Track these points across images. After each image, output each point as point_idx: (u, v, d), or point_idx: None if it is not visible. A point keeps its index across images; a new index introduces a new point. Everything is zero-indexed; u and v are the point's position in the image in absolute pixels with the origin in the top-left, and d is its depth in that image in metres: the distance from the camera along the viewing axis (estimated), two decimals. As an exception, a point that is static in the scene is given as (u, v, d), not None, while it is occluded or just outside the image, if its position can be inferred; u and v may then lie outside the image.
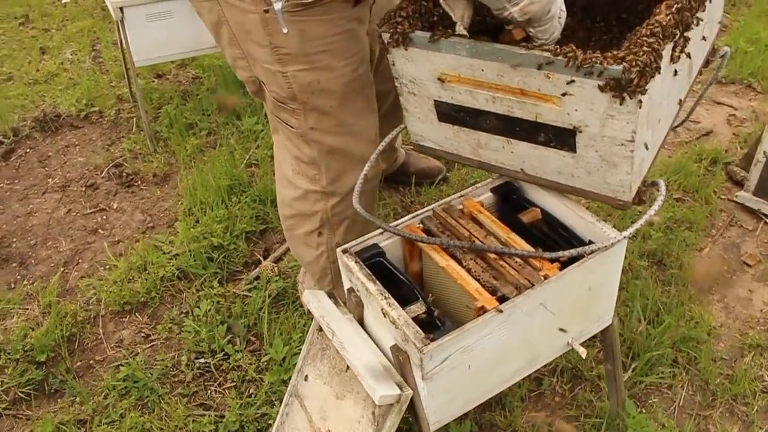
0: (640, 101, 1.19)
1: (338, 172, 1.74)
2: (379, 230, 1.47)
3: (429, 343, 1.21)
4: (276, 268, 2.32)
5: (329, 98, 1.62)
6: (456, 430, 1.77)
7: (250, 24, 1.52)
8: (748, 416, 1.83)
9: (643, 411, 1.82)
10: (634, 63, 1.15)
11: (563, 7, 1.33)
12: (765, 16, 3.75)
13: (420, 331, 1.23)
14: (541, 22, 1.29)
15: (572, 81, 1.22)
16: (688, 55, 1.44)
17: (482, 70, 1.30)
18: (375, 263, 1.44)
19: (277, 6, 1.47)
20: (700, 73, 1.69)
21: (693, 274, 2.24)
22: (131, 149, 3.02)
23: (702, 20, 1.46)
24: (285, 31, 1.50)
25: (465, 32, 1.32)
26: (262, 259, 2.40)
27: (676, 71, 1.39)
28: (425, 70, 1.38)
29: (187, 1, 2.77)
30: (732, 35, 3.58)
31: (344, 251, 1.44)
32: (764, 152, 2.41)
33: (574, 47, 1.20)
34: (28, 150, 3.17)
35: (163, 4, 2.74)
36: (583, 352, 1.43)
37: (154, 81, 3.51)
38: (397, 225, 1.48)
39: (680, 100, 1.55)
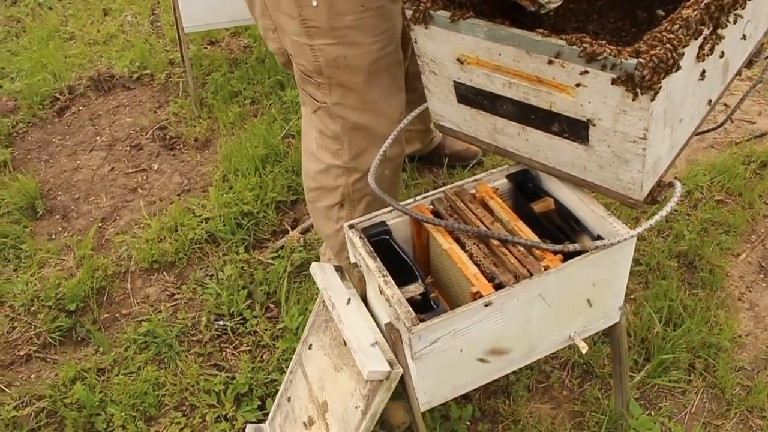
0: (654, 98, 1.15)
1: (360, 148, 1.75)
2: (389, 208, 1.47)
3: (418, 323, 1.21)
4: (302, 239, 2.35)
5: (355, 74, 1.62)
6: (457, 413, 1.78)
7: None
8: (762, 430, 1.77)
9: (651, 413, 1.79)
10: (648, 58, 1.11)
11: None
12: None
13: (411, 310, 1.24)
14: None
15: (586, 72, 1.19)
16: (721, 54, 1.38)
17: (499, 54, 1.28)
18: (381, 241, 1.45)
19: None
20: (739, 73, 1.61)
21: (725, 279, 2.17)
22: (177, 113, 3.09)
23: (741, 17, 1.39)
24: (314, 4, 1.51)
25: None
26: (290, 229, 2.43)
27: (704, 70, 1.33)
28: (445, 51, 1.37)
29: (238, -30, 2.81)
30: (802, 34, 3.41)
31: (351, 226, 1.45)
32: (815, 159, 2.31)
33: (589, 38, 1.17)
34: (81, 108, 3.29)
35: (215, -29, 2.78)
36: (584, 348, 1.41)
37: (207, 48, 3.57)
38: (407, 204, 1.48)
39: (710, 100, 1.49)
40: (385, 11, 1.59)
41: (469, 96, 1.41)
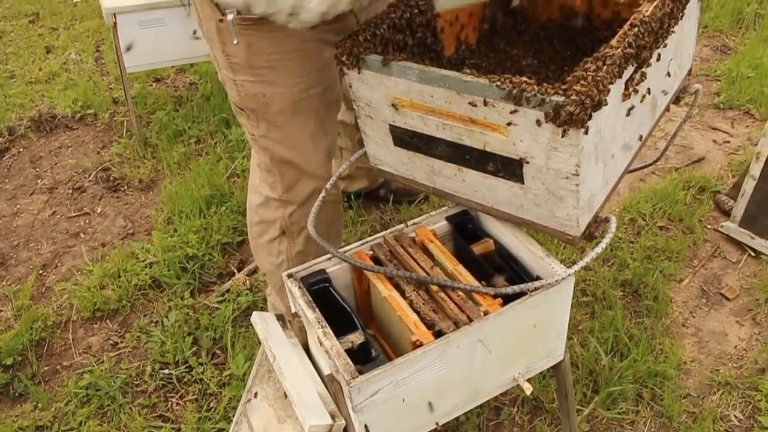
0: (583, 133, 1.16)
1: (291, 181, 1.76)
2: (329, 254, 1.46)
3: (357, 376, 1.19)
4: (248, 281, 2.32)
5: (275, 112, 1.64)
6: (408, 457, 1.75)
7: (210, 30, 1.57)
8: (709, 457, 1.79)
9: (601, 447, 1.80)
10: (574, 95, 1.13)
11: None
12: (771, 41, 3.69)
13: (350, 363, 1.22)
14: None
15: (515, 111, 1.20)
16: (648, 91, 1.42)
17: (431, 96, 1.29)
18: (321, 289, 1.44)
19: (229, 17, 1.48)
20: (667, 109, 1.66)
21: (669, 306, 2.21)
22: (120, 154, 3.04)
23: (664, 54, 1.43)
24: (235, 41, 1.52)
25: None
26: (236, 271, 2.39)
27: (632, 107, 1.36)
28: (379, 94, 1.37)
29: (180, 9, 2.80)
30: (735, 59, 3.53)
31: (290, 275, 1.43)
32: (751, 182, 2.37)
33: (518, 77, 1.19)
34: (21, 149, 3.21)
35: (156, 11, 2.76)
36: (528, 389, 1.41)
37: (151, 85, 3.54)
38: (346, 251, 1.47)
39: (641, 136, 1.52)
40: (309, 55, 1.59)
41: (405, 139, 1.42)
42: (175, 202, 2.62)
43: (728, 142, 2.98)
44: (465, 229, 1.54)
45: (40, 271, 2.51)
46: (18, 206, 2.86)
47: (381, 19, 1.46)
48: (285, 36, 1.54)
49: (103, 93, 3.51)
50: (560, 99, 1.13)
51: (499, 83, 1.19)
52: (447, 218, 1.55)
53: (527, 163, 1.27)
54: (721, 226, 2.49)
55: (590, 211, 1.38)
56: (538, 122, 1.17)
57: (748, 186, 2.39)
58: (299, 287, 1.40)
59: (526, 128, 1.21)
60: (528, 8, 1.80)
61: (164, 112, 3.18)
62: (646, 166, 1.82)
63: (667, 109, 1.65)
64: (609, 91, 1.19)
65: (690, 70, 1.71)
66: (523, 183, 1.32)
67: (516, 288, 1.31)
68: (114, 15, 2.69)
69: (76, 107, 3.39)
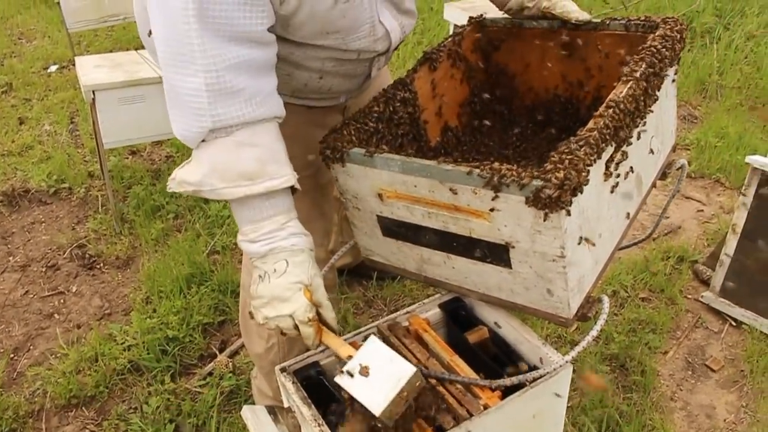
0: (566, 215, 1.17)
1: None
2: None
3: (357, 480, 1.15)
4: (231, 364, 2.26)
5: None
6: None
7: None
8: None
9: None
10: (553, 179, 1.13)
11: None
12: (734, 110, 3.83)
13: (349, 465, 1.18)
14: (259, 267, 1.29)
15: (496, 197, 1.20)
16: (631, 169, 1.44)
17: (415, 186, 1.30)
18: (316, 381, 1.40)
19: None
20: (654, 185, 1.68)
21: (656, 379, 2.20)
22: (96, 230, 2.99)
23: (644, 132, 1.46)
24: None
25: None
26: (217, 352, 2.34)
27: (616, 185, 1.38)
28: (365, 186, 1.37)
29: (159, 85, 2.80)
30: (702, 129, 3.64)
31: (282, 369, 1.40)
32: (727, 254, 2.41)
33: (497, 164, 1.19)
34: (-8, 226, 3.13)
35: (136, 88, 2.76)
36: (528, 481, 1.38)
37: (128, 158, 3.51)
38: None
39: (629, 214, 1.54)
40: (300, 139, 1.59)
41: (393, 228, 1.42)
42: (153, 281, 2.57)
43: (702, 211, 3.04)
44: (458, 316, 1.53)
45: (11, 355, 2.42)
46: (-12, 286, 2.78)
47: (364, 112, 1.48)
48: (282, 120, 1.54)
49: (79, 166, 3.48)
50: (539, 183, 1.14)
51: (478, 171, 1.20)
52: (440, 305, 1.53)
53: (513, 247, 1.27)
54: (702, 296, 2.52)
55: (581, 292, 1.38)
56: (520, 207, 1.18)
57: (725, 257, 2.43)
58: (293, 382, 1.36)
59: (509, 213, 1.22)
60: (513, 90, 1.84)
61: (141, 186, 3.15)
62: (636, 243, 1.84)
63: (654, 185, 1.67)
64: (588, 172, 1.20)
65: (674, 146, 1.75)
66: (511, 267, 1.32)
67: (515, 379, 1.30)
68: (93, 92, 2.68)
69: (50, 181, 3.35)
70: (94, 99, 2.71)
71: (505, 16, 1.75)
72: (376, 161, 1.31)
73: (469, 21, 1.78)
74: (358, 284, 2.57)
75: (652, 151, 1.57)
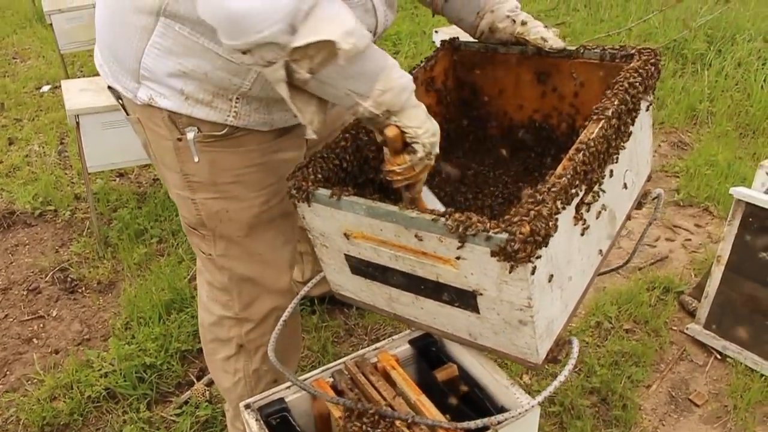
0: (532, 270, 1.15)
1: (250, 298, 1.71)
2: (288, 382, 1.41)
3: None
4: (208, 392, 2.23)
5: (237, 228, 1.60)
6: None
7: (165, 150, 1.52)
8: None
9: None
10: (518, 233, 1.11)
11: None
12: (724, 137, 3.82)
13: None
14: (403, 111, 1.26)
15: (462, 246, 1.18)
16: (603, 208, 1.41)
17: (381, 230, 1.28)
18: (281, 418, 1.38)
19: (190, 135, 1.46)
20: (629, 218, 1.66)
21: (638, 414, 2.17)
22: (80, 253, 2.97)
23: (617, 168, 1.43)
24: (196, 159, 1.49)
25: (314, 136, 1.29)
26: (195, 380, 2.31)
27: (587, 226, 1.35)
28: (331, 226, 1.35)
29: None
30: (692, 156, 3.64)
31: (247, 406, 1.37)
32: (712, 286, 2.39)
33: (463, 213, 1.17)
34: (-24, 247, 3.12)
35: (120, 112, 2.74)
36: None
37: (115, 180, 3.50)
38: (306, 378, 1.42)
39: (601, 250, 1.51)
40: (270, 166, 1.58)
41: (360, 268, 1.40)
42: (134, 306, 2.55)
43: (690, 240, 3.02)
44: (428, 352, 1.51)
45: (-12, 381, 2.40)
46: (-31, 308, 2.76)
47: (331, 148, 1.45)
48: (247, 150, 1.53)
49: (65, 188, 3.47)
50: (504, 237, 1.11)
51: (443, 220, 1.17)
52: (410, 341, 1.51)
53: (480, 294, 1.25)
54: (687, 328, 2.49)
55: (550, 337, 1.35)
56: (486, 257, 1.15)
57: (711, 289, 2.41)
58: (256, 419, 1.34)
59: (475, 262, 1.19)
60: (488, 114, 1.82)
61: (127, 209, 3.13)
62: (611, 270, 1.82)
63: (629, 217, 1.65)
64: (556, 223, 1.18)
65: (649, 176, 1.72)
66: (479, 313, 1.30)
67: (479, 422, 1.27)
68: (77, 116, 2.68)
69: (36, 203, 3.33)
70: (78, 123, 2.70)
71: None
72: (342, 204, 1.29)
73: (441, 44, 1.76)
74: (339, 312, 2.54)
75: (625, 186, 1.54)
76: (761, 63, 4.46)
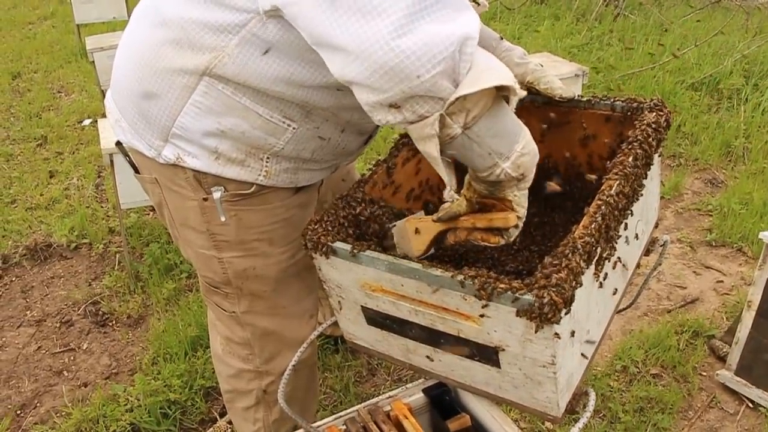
0: (557, 333, 1.15)
1: (272, 353, 1.72)
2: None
3: None
4: (230, 430, 2.25)
5: (264, 283, 1.62)
6: None
7: (188, 210, 1.54)
8: None
9: None
10: (545, 295, 1.12)
11: None
12: (760, 174, 3.74)
13: None
14: (529, 176, 1.23)
15: (487, 305, 1.19)
16: (619, 260, 1.41)
17: (402, 285, 1.29)
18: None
19: (216, 195, 1.48)
20: (638, 266, 1.64)
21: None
22: (111, 287, 3.04)
23: (631, 220, 1.43)
24: (223, 219, 1.51)
25: (455, 195, 1.26)
26: (218, 417, 2.33)
27: (605, 278, 1.35)
28: (349, 279, 1.36)
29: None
30: (726, 194, 3.57)
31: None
32: (744, 330, 2.33)
33: (488, 272, 1.18)
34: (14, 279, 3.21)
35: (153, 150, 2.82)
36: None
37: (148, 214, 3.58)
38: (319, 425, 1.43)
39: (616, 289, 1.49)
40: (294, 221, 1.60)
41: (377, 320, 1.41)
42: (161, 341, 2.59)
43: (722, 281, 2.96)
44: (442, 402, 1.50)
45: (18, 412, 2.46)
46: (3, 339, 2.83)
47: (346, 200, 1.44)
48: (272, 208, 1.55)
49: (101, 221, 3.56)
50: (531, 298, 1.12)
51: (470, 281, 1.18)
52: (424, 390, 1.51)
53: (503, 350, 1.25)
54: (717, 375, 2.43)
55: (569, 390, 1.35)
56: (511, 316, 1.16)
57: (742, 334, 2.35)
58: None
59: (500, 320, 1.20)
60: None
61: (158, 244, 3.20)
62: (619, 311, 1.79)
63: (638, 265, 1.63)
64: (581, 281, 1.18)
65: (657, 223, 1.72)
66: (499, 367, 1.30)
67: (491, 480, 1.26)
68: (111, 155, 2.76)
69: (72, 236, 3.42)
70: (112, 161, 2.78)
71: None
72: (362, 259, 1.30)
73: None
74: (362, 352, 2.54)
75: (637, 236, 1.54)
76: (799, 99, 4.38)
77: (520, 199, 1.24)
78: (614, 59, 5.17)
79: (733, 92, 4.57)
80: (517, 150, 1.18)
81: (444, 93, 1.09)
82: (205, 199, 1.50)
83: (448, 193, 1.29)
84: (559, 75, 3.13)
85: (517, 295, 1.14)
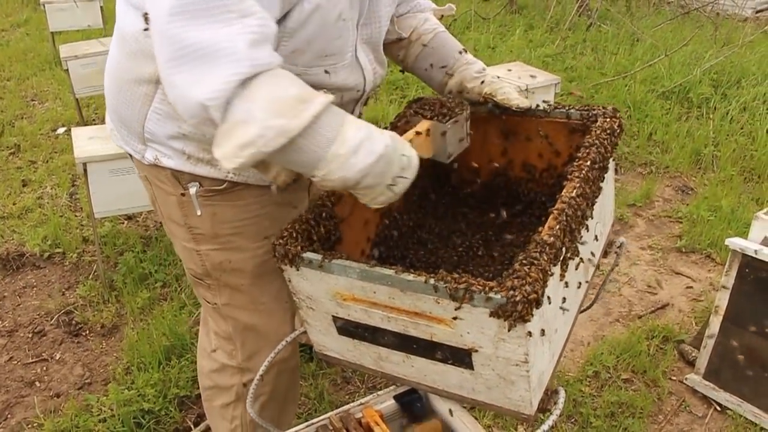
0: (530, 332, 1.18)
1: (253, 349, 1.75)
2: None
3: None
4: (205, 438, 2.25)
5: (241, 276, 1.65)
6: None
7: (170, 205, 1.60)
8: None
9: None
10: (516, 294, 1.14)
11: (404, 174, 1.26)
12: (728, 182, 3.83)
13: None
14: (356, 190, 1.25)
15: (460, 307, 1.21)
16: (581, 260, 1.44)
17: (374, 292, 1.30)
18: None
19: (192, 190, 1.53)
20: (597, 267, 1.68)
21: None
22: (85, 296, 3.01)
23: (590, 222, 1.46)
24: (198, 212, 1.56)
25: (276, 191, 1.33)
26: (192, 426, 2.32)
27: (569, 280, 1.39)
28: (320, 289, 1.37)
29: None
30: (695, 201, 3.64)
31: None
32: (711, 336, 2.38)
33: (461, 276, 1.20)
34: (-15, 289, 3.18)
35: (127, 160, 2.80)
36: None
37: (123, 223, 3.56)
38: (292, 432, 1.44)
39: (580, 283, 1.52)
40: (270, 217, 1.63)
41: (349, 329, 1.42)
42: (135, 350, 2.58)
43: (691, 287, 3.02)
44: (413, 407, 1.52)
45: (-11, 424, 2.43)
46: (-25, 351, 2.80)
47: (313, 210, 1.45)
48: (246, 203, 1.59)
49: (74, 230, 3.53)
50: (504, 299, 1.15)
51: (443, 284, 1.20)
52: (395, 397, 1.52)
53: (476, 351, 1.27)
54: (686, 379, 2.48)
55: (541, 388, 1.37)
56: (484, 317, 1.18)
57: (710, 339, 2.40)
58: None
59: (473, 322, 1.22)
60: (456, 172, 1.86)
61: (132, 253, 3.18)
62: (583, 311, 1.83)
63: (597, 266, 1.67)
64: (548, 282, 1.21)
65: (613, 223, 1.77)
66: (473, 369, 1.32)
67: (460, 481, 1.28)
68: (84, 164, 2.75)
69: (45, 245, 3.39)
70: (86, 170, 2.77)
71: None
72: (333, 267, 1.31)
73: (409, 104, 1.79)
74: (337, 360, 2.55)
75: (596, 238, 1.58)
76: (767, 107, 4.48)
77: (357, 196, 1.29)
78: (586, 69, 5.26)
79: (702, 101, 4.67)
80: (318, 176, 1.20)
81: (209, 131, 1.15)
82: (183, 194, 1.56)
83: (273, 189, 1.37)
84: (533, 85, 3.18)
85: (490, 294, 1.16)
